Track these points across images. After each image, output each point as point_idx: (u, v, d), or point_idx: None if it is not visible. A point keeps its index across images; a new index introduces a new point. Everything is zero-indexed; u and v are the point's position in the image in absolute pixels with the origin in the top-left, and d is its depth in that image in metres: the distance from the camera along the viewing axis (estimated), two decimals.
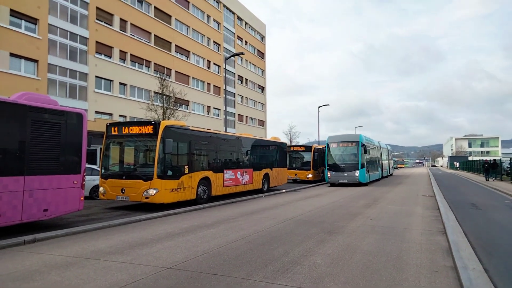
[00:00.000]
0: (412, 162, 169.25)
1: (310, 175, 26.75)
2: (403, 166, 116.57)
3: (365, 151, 24.23)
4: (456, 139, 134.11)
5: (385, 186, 23.42)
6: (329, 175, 23.97)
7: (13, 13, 21.78)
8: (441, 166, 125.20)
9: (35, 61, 22.92)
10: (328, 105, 44.61)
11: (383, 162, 33.94)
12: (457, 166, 71.63)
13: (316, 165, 27.66)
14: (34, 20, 22.99)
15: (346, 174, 23.44)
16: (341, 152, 24.46)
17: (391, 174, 42.42)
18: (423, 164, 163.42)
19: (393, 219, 9.82)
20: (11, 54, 21.57)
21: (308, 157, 27.33)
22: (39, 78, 22.96)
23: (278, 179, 20.65)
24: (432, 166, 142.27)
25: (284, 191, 19.51)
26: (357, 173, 23.26)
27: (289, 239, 7.22)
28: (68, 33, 25.41)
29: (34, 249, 6.54)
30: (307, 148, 28.27)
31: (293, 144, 47.46)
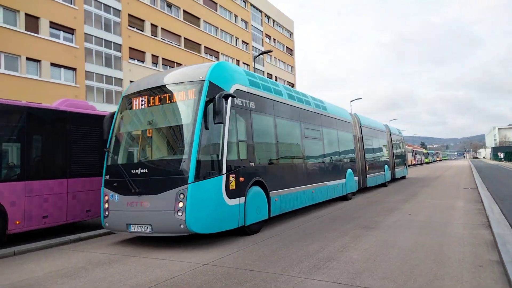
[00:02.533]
0: (451, 154, 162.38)
1: None
2: (439, 159, 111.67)
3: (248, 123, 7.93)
4: (499, 128, 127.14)
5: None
6: (106, 206, 7.03)
7: (52, 24, 22.98)
8: (484, 157, 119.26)
9: (73, 69, 24.06)
10: (361, 98, 43.74)
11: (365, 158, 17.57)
12: (502, 157, 67.89)
13: None
14: (71, 30, 24.13)
15: (148, 205, 6.40)
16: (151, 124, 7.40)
17: (403, 178, 24.88)
18: (464, 156, 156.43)
19: (432, 213, 9.47)
20: (52, 64, 22.76)
21: None
22: (77, 85, 24.09)
23: None
24: (474, 158, 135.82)
25: None
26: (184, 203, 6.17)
27: (324, 235, 7.15)
28: (103, 40, 26.47)
29: (79, 248, 6.88)
30: None
31: None
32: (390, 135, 21.71)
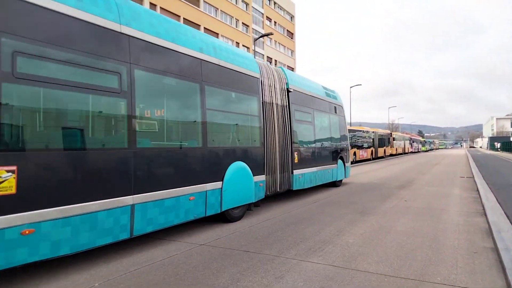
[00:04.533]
0: (448, 143, 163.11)
1: None
2: (436, 147, 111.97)
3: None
4: (497, 118, 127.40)
5: None
6: None
7: None
8: (480, 147, 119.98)
9: None
10: (360, 85, 43.55)
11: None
12: (498, 147, 68.22)
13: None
14: None
15: None
16: None
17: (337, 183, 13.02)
18: (461, 145, 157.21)
19: (429, 200, 9.52)
20: None
21: None
22: None
23: None
24: (471, 147, 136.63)
25: None
26: None
27: (319, 219, 7.18)
28: None
29: None
30: None
31: None
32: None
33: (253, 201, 7.60)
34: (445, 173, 18.85)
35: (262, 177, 7.91)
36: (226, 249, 5.15)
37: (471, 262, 4.55)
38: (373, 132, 35.33)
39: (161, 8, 30.79)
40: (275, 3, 51.63)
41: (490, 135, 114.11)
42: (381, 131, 40.33)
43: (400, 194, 10.77)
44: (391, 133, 45.24)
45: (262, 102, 8.18)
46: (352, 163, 27.09)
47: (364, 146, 31.80)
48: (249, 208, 7.72)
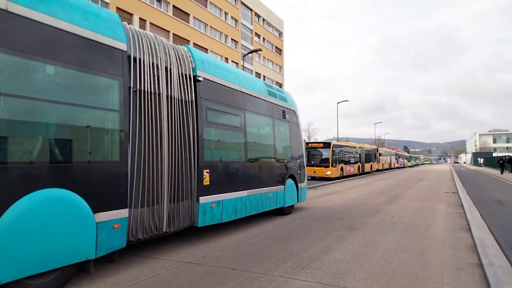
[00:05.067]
0: (433, 159, 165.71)
1: (329, 172, 26.50)
2: (421, 163, 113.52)
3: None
4: (480, 134, 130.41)
5: None
6: None
7: None
8: (464, 162, 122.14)
9: None
10: (347, 100, 44.13)
11: None
12: (481, 162, 69.61)
13: (335, 161, 27.39)
14: None
15: None
16: None
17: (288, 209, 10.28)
18: (446, 161, 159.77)
19: (415, 216, 9.61)
20: None
21: (327, 153, 27.06)
22: None
23: None
24: (455, 163, 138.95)
25: None
26: None
27: (308, 235, 7.17)
28: None
29: None
30: (326, 144, 28.00)
31: (312, 141, 47.16)
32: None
33: (91, 258, 4.42)
34: (431, 188, 19.09)
35: (118, 213, 4.79)
36: (213, 267, 5.08)
37: (457, 278, 4.59)
38: (359, 147, 35.70)
39: (151, 23, 30.98)
40: (264, 19, 52.51)
41: (474, 151, 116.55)
42: (368, 146, 40.82)
43: (387, 209, 10.85)
44: (377, 149, 45.76)
45: (133, 91, 5.18)
46: (338, 178, 27.39)
47: (351, 162, 32.07)
48: (82, 270, 4.48)
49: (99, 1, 26.65)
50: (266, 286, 4.31)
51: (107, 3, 27.19)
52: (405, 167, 71.50)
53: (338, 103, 42.06)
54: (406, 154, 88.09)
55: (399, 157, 65.30)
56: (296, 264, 5.20)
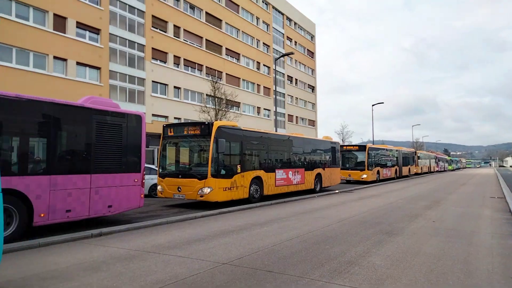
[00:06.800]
0: (475, 162, 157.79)
1: (364, 175, 25.87)
2: (463, 167, 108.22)
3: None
4: None
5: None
6: None
7: (79, 24, 23.55)
8: (511, 166, 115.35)
9: (98, 68, 24.58)
10: (383, 103, 42.96)
11: None
12: None
13: (371, 165, 26.70)
14: (96, 30, 24.66)
15: None
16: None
17: None
18: (490, 165, 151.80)
19: (458, 221, 9.15)
20: (77, 63, 23.32)
21: (362, 157, 26.45)
22: (101, 84, 24.59)
23: (330, 179, 20.23)
24: (500, 166, 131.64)
25: (337, 191, 19.05)
26: None
27: (345, 239, 7.00)
28: (127, 41, 26.94)
29: (100, 242, 6.97)
30: (361, 147, 27.37)
31: (346, 144, 46.25)
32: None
33: None
34: (474, 193, 18.15)
35: None
36: (249, 269, 5.07)
37: None
38: (396, 150, 34.61)
39: (184, 30, 31.70)
40: (295, 23, 52.31)
41: None
42: (405, 149, 39.45)
43: (428, 214, 10.41)
44: (415, 152, 44.15)
45: None
46: (374, 182, 26.68)
47: (387, 165, 31.15)
48: None
49: (136, 10, 27.63)
50: None
51: (143, 12, 28.12)
52: (445, 170, 68.52)
53: (373, 105, 41.04)
54: (447, 157, 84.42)
55: (439, 161, 62.65)
56: (334, 268, 5.09)
